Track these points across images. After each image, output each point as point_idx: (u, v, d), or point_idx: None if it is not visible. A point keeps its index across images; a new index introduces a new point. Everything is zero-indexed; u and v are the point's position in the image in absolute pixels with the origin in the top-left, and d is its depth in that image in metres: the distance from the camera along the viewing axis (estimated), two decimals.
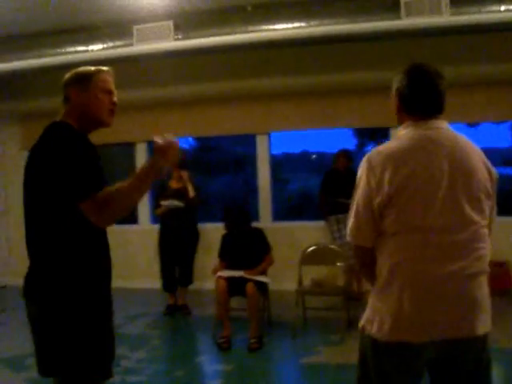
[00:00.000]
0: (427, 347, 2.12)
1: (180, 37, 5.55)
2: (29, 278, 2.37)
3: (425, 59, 5.71)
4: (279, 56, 6.59)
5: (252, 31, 5.49)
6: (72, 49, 5.88)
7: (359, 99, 6.93)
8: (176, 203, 6.32)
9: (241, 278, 5.28)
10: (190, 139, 10.96)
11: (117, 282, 7.56)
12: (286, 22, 5.43)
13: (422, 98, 2.23)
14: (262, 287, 5.36)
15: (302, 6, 5.35)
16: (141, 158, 7.92)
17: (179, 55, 5.83)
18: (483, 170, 2.19)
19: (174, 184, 6.55)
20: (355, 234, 2.23)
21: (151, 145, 7.06)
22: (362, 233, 2.21)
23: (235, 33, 5.48)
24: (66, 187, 2.24)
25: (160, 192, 6.69)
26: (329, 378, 4.35)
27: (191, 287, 6.63)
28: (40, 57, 6.02)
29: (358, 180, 2.22)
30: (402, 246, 2.13)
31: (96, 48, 5.82)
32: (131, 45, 5.65)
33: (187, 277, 6.57)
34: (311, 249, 5.71)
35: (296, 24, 5.40)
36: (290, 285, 5.98)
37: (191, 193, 6.35)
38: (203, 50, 5.66)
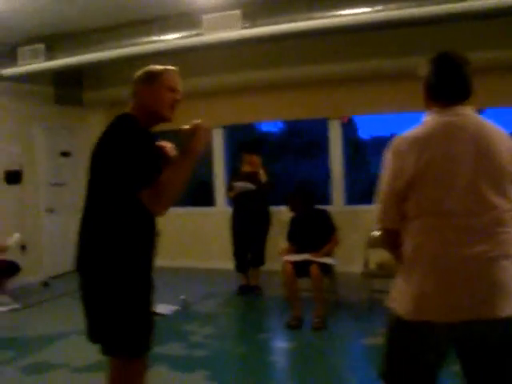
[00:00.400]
0: (449, 327, 2.18)
1: (248, 25, 5.69)
2: (82, 253, 2.62)
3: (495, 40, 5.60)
4: (352, 41, 6.60)
5: (318, 18, 5.54)
6: (147, 39, 6.16)
7: None
8: (249, 186, 6.52)
9: (307, 260, 5.42)
10: (279, 123, 11.06)
11: (194, 263, 7.98)
12: (353, 7, 5.45)
13: (447, 86, 2.28)
14: (326, 269, 5.48)
15: None
16: (217, 141, 8.17)
17: (248, 43, 5.98)
18: (509, 155, 2.21)
19: (245, 168, 6.77)
20: (382, 216, 2.32)
21: (227, 129, 7.29)
22: (388, 215, 2.30)
23: (301, 20, 5.55)
24: (127, 177, 2.47)
25: (233, 175, 6.95)
26: None
27: (263, 268, 6.82)
28: (120, 47, 6.34)
29: (384, 165, 2.31)
30: (423, 229, 2.21)
31: (169, 38, 6.07)
32: (201, 34, 5.85)
33: (259, 258, 6.76)
34: (378, 232, 5.74)
35: (361, 9, 5.40)
36: (358, 267, 6.05)
37: (263, 177, 6.54)
38: (271, 37, 5.77)
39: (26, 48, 6.69)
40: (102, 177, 2.56)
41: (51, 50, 6.64)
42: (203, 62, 7.34)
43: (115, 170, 2.49)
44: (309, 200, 5.88)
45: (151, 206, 2.48)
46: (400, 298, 2.29)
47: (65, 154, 8.34)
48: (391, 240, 2.36)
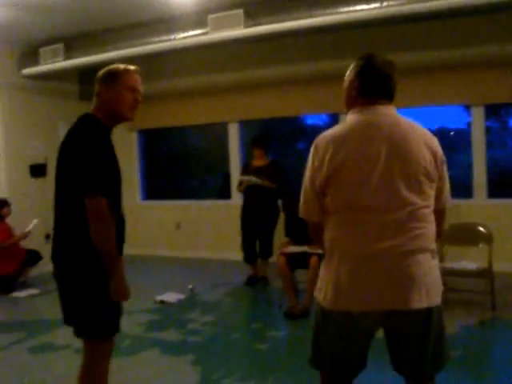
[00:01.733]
0: (365, 316, 2.31)
1: (250, 24, 5.87)
2: (56, 244, 2.82)
3: None
4: (357, 37, 6.71)
5: (321, 15, 5.67)
6: (157, 38, 6.41)
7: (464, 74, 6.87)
8: (254, 180, 6.69)
9: (305, 252, 5.59)
10: (324, 116, 11.09)
11: (208, 253, 8.23)
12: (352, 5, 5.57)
13: (368, 84, 2.41)
14: None
15: None
16: (233, 135, 8.42)
17: (251, 41, 6.18)
18: (426, 153, 2.31)
19: (256, 162, 6.95)
20: (303, 209, 2.48)
21: (242, 124, 7.44)
22: (308, 209, 2.45)
23: (302, 17, 5.71)
24: (81, 181, 2.62)
25: (243, 170, 7.14)
26: None
27: (271, 260, 6.98)
28: (132, 47, 6.61)
29: (307, 161, 2.46)
30: (339, 223, 2.35)
31: (178, 37, 6.30)
32: (207, 33, 6.06)
33: (267, 250, 6.93)
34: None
35: (360, 7, 5.50)
36: None
37: (272, 185, 6.72)
38: (273, 35, 5.94)
39: (47, 48, 7.05)
40: (69, 177, 2.71)
41: (70, 50, 6.97)
42: (217, 60, 7.59)
43: (74, 174, 2.64)
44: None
45: (90, 215, 2.60)
46: (322, 288, 2.44)
47: None
48: (316, 232, 2.51)
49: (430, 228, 2.34)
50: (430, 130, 2.43)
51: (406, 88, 6.95)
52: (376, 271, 2.27)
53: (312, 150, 2.41)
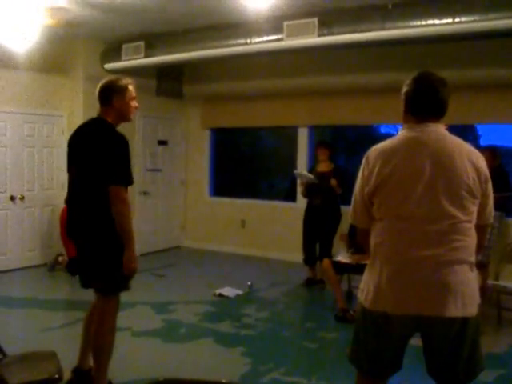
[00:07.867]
0: (402, 319, 2.46)
1: (324, 32, 6.01)
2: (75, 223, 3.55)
3: None
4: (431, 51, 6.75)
5: (393, 28, 5.75)
6: (234, 41, 6.65)
7: None
8: (309, 176, 6.86)
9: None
10: (397, 126, 11.12)
11: (269, 253, 8.40)
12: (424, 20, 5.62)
13: (420, 103, 2.55)
14: None
15: (438, 3, 5.50)
16: (302, 140, 8.58)
17: (324, 49, 6.33)
18: (470, 170, 2.44)
19: (320, 167, 7.09)
20: (353, 216, 2.66)
21: (312, 129, 7.58)
22: (358, 216, 2.63)
23: (375, 30, 5.79)
24: (107, 172, 3.31)
25: None
26: None
27: None
28: (209, 48, 6.88)
29: (358, 171, 2.63)
30: (383, 230, 2.51)
31: (254, 41, 6.51)
32: (282, 39, 6.25)
33: (326, 254, 7.05)
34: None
35: (432, 21, 5.55)
36: None
37: (334, 184, 6.83)
38: (345, 45, 6.06)
39: (129, 45, 7.43)
40: (94, 168, 3.39)
41: (150, 48, 7.31)
42: (291, 64, 7.80)
43: (103, 165, 3.32)
44: None
45: (115, 200, 3.32)
46: (364, 289, 2.60)
47: (162, 143, 9.09)
48: (363, 237, 2.67)
49: (470, 242, 2.46)
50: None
51: (477, 104, 6.98)
52: (415, 277, 2.41)
53: (363, 161, 2.58)
